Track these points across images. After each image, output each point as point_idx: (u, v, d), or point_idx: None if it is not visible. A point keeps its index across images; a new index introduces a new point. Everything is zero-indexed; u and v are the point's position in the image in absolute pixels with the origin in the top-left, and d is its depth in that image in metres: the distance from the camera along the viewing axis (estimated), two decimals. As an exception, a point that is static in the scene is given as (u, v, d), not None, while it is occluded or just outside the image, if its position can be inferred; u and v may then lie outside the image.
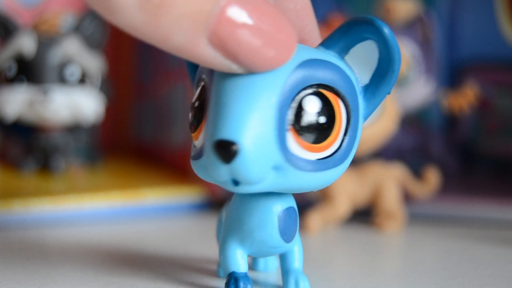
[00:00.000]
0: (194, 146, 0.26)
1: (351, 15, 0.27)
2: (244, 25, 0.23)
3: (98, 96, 0.48)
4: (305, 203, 0.41)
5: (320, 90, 0.25)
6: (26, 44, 0.47)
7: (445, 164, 0.50)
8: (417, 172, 0.44)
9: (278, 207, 0.26)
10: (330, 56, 0.26)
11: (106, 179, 0.49)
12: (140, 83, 0.59)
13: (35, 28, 0.50)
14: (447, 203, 0.43)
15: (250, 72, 0.24)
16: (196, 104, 0.26)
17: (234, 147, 0.24)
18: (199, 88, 0.26)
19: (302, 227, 0.39)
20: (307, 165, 0.25)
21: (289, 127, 0.25)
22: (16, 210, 0.40)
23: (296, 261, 0.28)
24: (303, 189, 0.26)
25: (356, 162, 0.41)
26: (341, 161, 0.26)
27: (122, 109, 0.60)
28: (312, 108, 0.25)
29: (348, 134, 0.26)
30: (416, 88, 0.49)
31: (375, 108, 0.26)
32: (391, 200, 0.41)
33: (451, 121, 0.55)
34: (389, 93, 0.26)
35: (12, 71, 0.47)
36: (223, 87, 0.25)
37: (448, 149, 0.53)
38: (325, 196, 0.40)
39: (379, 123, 0.40)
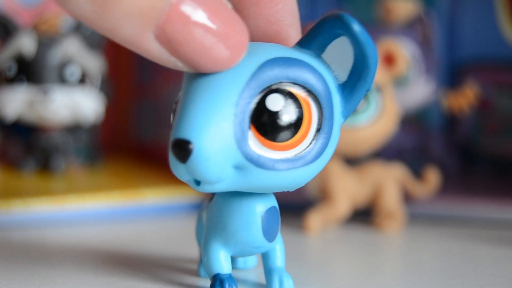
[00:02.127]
0: None
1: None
2: (193, 24, 0.23)
3: (98, 96, 0.48)
4: (305, 203, 0.41)
5: (286, 88, 0.25)
6: (26, 44, 0.47)
7: (445, 164, 0.50)
8: (417, 172, 0.44)
9: (261, 208, 0.26)
10: (302, 54, 0.25)
11: (106, 179, 0.49)
12: (140, 83, 0.59)
13: (35, 28, 0.50)
14: (447, 203, 0.43)
15: (196, 71, 0.24)
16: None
17: (188, 147, 0.24)
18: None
19: (302, 227, 0.39)
20: (271, 164, 0.25)
21: (250, 125, 0.24)
22: (16, 210, 0.40)
23: (279, 260, 0.28)
24: (271, 189, 0.25)
25: (356, 162, 0.41)
26: (313, 160, 0.25)
27: (122, 109, 0.60)
28: (275, 106, 0.25)
29: (321, 132, 0.25)
30: (416, 88, 0.49)
31: (356, 105, 0.26)
32: (391, 200, 0.41)
33: (451, 121, 0.55)
34: (368, 90, 0.25)
35: (12, 71, 0.47)
36: (188, 86, 0.25)
37: (448, 149, 0.53)
38: (325, 196, 0.40)
39: (379, 123, 0.40)
